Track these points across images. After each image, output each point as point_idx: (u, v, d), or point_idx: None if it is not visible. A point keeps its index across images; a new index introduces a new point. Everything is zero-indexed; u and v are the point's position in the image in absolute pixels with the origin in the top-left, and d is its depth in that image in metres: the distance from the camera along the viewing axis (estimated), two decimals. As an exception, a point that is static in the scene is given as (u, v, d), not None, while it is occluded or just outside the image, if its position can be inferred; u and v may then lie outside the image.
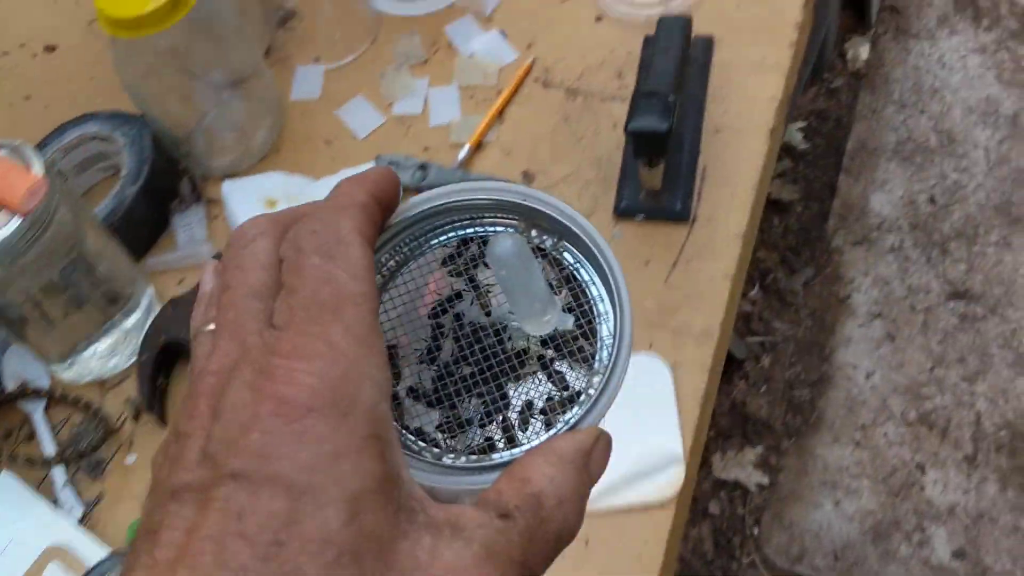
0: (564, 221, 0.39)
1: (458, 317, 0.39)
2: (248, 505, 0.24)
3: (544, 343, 0.38)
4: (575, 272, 0.40)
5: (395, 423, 0.34)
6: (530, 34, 0.95)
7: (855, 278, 1.68)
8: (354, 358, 0.27)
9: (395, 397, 0.37)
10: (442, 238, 0.40)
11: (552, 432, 0.35)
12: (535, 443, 0.35)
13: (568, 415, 0.36)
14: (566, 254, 0.40)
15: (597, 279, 0.39)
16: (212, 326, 0.29)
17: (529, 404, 0.37)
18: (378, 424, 0.27)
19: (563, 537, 0.29)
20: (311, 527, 0.24)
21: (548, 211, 0.39)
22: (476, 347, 0.38)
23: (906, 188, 1.75)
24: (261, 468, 0.25)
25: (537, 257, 0.39)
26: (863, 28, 1.95)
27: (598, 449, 0.31)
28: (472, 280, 0.40)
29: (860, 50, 1.94)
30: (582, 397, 0.36)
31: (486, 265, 0.39)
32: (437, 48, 0.96)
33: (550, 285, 0.39)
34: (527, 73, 0.92)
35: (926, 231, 1.70)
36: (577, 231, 0.39)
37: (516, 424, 0.36)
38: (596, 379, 0.37)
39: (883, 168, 1.78)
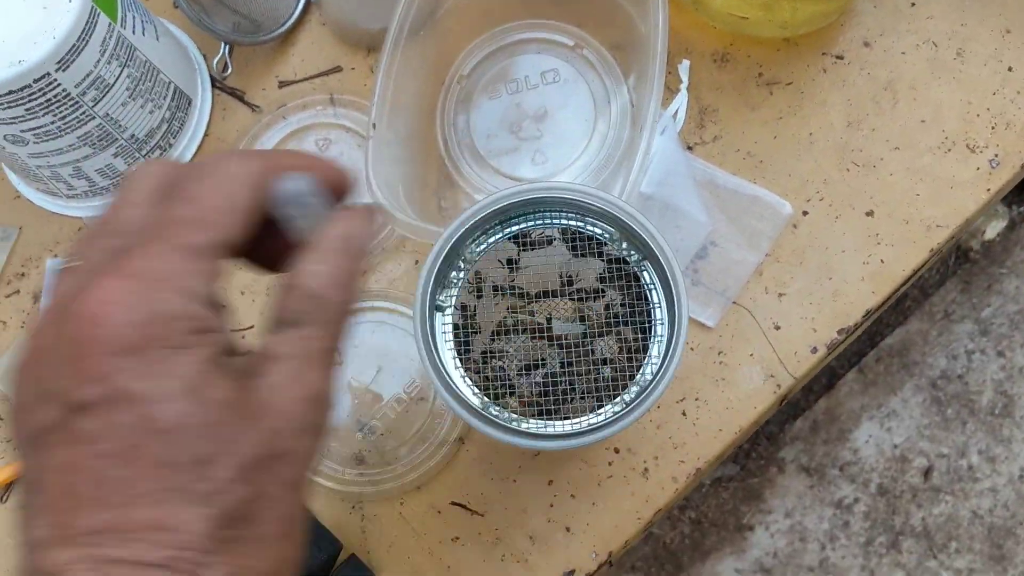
0: (653, 248, 0.44)
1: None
2: (101, 429, 0.26)
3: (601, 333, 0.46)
4: (648, 291, 0.45)
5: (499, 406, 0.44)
6: None
7: (772, 510, 1.26)
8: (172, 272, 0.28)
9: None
10: (548, 222, 0.45)
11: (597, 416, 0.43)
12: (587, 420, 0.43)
13: (602, 410, 0.43)
14: (645, 273, 0.45)
15: (664, 304, 0.44)
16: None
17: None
18: (197, 319, 0.28)
19: (349, 307, 0.32)
20: (163, 423, 0.26)
21: (644, 235, 0.44)
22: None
23: (910, 438, 1.28)
24: (101, 393, 0.26)
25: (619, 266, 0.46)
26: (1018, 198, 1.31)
27: (360, 230, 0.33)
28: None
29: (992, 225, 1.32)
30: (617, 399, 0.43)
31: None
32: None
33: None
34: None
35: (890, 507, 1.26)
36: (661, 260, 0.44)
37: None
38: (634, 390, 0.43)
39: (902, 395, 1.28)
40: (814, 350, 0.56)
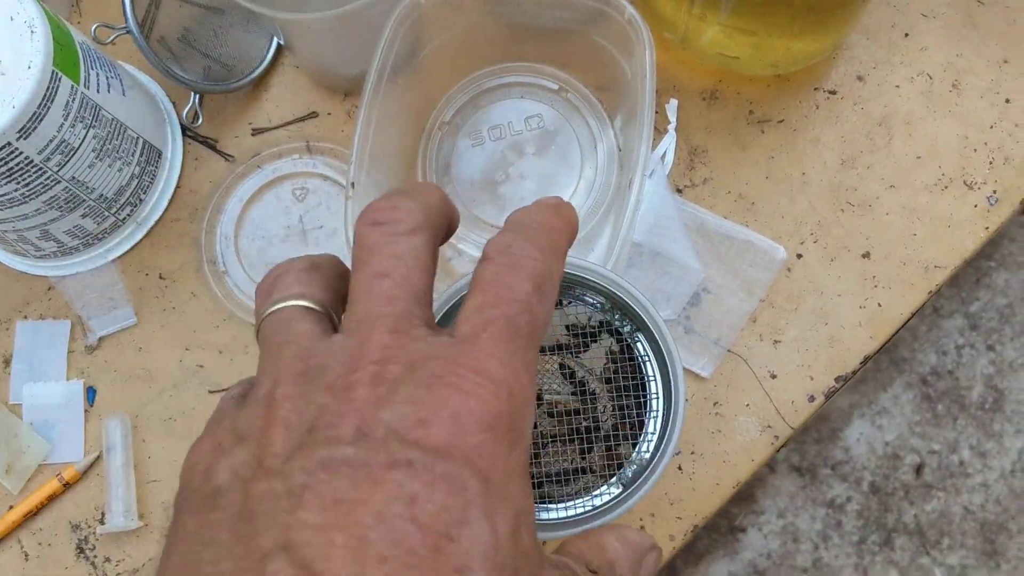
0: (646, 320, 0.42)
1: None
2: (422, 493, 0.24)
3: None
4: (642, 363, 0.43)
5: None
6: None
7: (764, 511, 1.26)
8: (528, 394, 0.26)
9: None
10: None
11: (586, 503, 0.42)
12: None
13: (598, 491, 0.41)
14: (639, 344, 0.43)
15: (659, 378, 0.42)
16: (305, 303, 0.28)
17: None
18: (527, 459, 0.27)
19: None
20: (482, 532, 0.24)
21: (635, 306, 0.42)
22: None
23: (901, 435, 1.28)
24: (438, 464, 0.24)
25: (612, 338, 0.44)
26: None
27: (651, 557, 0.33)
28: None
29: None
30: (613, 479, 0.42)
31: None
32: None
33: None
34: None
35: (883, 504, 1.26)
36: (654, 332, 0.42)
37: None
38: (632, 468, 0.41)
39: (893, 392, 1.29)
40: (811, 399, 0.55)
